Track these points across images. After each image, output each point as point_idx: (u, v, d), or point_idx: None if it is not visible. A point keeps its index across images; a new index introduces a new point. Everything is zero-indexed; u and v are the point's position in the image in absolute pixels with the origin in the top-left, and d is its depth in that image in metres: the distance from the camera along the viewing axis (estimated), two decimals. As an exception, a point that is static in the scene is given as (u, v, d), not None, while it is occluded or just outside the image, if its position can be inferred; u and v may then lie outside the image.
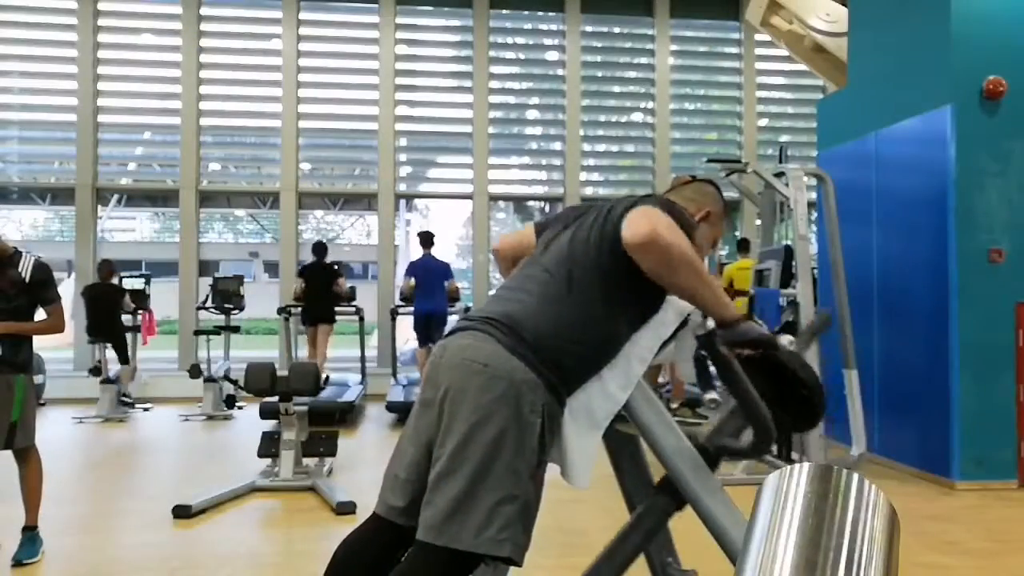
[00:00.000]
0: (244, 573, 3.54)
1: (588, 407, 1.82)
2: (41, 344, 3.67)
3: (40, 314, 3.65)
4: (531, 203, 12.05)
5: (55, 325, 3.65)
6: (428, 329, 7.94)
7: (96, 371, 7.97)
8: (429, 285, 7.93)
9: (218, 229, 24.35)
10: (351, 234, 23.19)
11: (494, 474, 1.61)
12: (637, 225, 1.69)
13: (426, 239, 8.13)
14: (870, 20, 6.13)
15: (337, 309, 8.33)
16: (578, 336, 1.75)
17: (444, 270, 8.07)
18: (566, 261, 1.83)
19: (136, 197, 14.69)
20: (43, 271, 3.60)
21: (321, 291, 8.15)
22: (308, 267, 8.30)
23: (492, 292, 9.67)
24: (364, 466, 5.72)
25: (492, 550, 1.60)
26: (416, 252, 8.54)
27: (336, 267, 8.40)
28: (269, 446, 5.10)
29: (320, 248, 8.33)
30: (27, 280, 3.54)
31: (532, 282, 1.84)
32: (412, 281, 7.97)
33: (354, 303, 8.45)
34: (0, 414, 3.47)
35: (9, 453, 3.56)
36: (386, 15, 9.94)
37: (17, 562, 3.51)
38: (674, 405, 7.16)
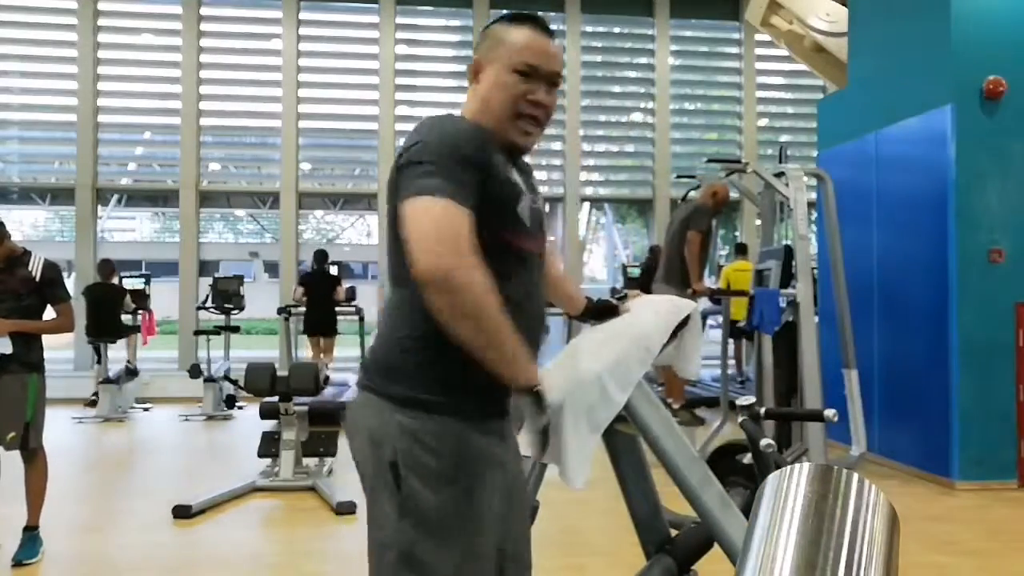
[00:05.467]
0: (244, 573, 3.54)
1: (588, 408, 1.81)
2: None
3: (49, 313, 3.67)
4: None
5: (65, 324, 3.68)
6: None
7: (93, 404, 8.00)
8: None
9: (218, 229, 24.35)
10: (351, 234, 23.20)
11: (372, 524, 1.48)
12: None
13: None
14: (870, 20, 6.13)
15: (338, 309, 8.33)
16: (413, 331, 1.45)
17: None
18: (389, 268, 1.56)
19: (136, 197, 14.68)
20: (53, 270, 3.64)
21: (322, 300, 8.14)
22: (309, 275, 8.29)
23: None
24: (364, 466, 5.71)
25: None
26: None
27: (337, 274, 8.39)
28: (269, 446, 5.10)
29: (321, 256, 8.32)
30: (37, 279, 3.57)
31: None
32: None
33: (354, 303, 8.45)
34: (16, 414, 3.48)
35: (14, 452, 3.57)
36: (386, 15, 9.94)
37: (17, 562, 3.51)
38: (675, 407, 7.16)
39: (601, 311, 1.97)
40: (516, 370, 1.38)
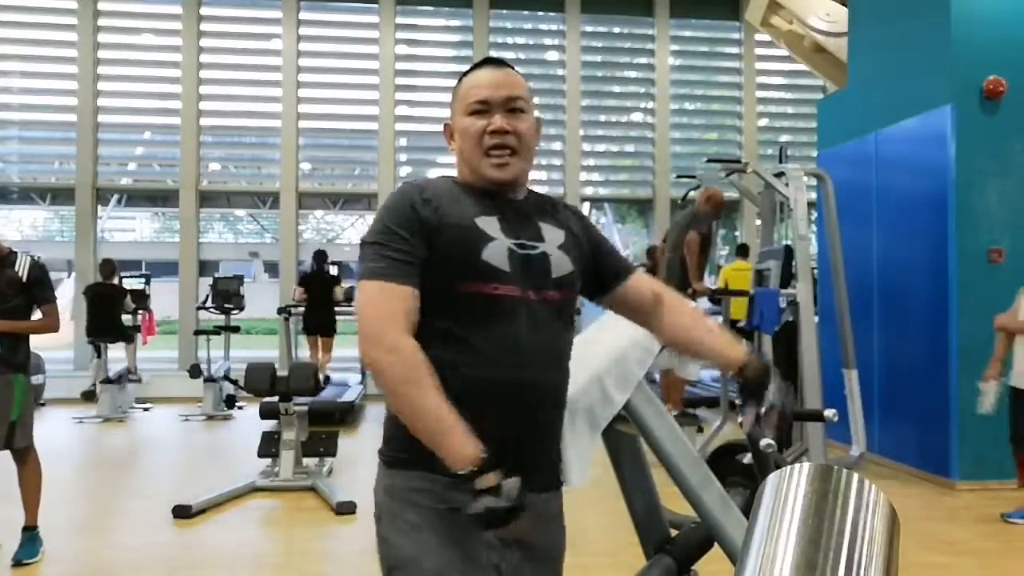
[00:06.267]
0: (244, 573, 3.54)
1: (588, 409, 1.82)
2: (41, 344, 3.68)
3: (37, 314, 3.66)
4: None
5: (50, 324, 3.65)
6: None
7: (90, 396, 8.00)
8: None
9: (218, 229, 24.31)
10: (351, 234, 23.18)
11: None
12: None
13: None
14: (870, 20, 6.13)
15: (337, 310, 8.34)
16: None
17: None
18: None
19: (136, 197, 14.69)
20: (40, 270, 3.62)
21: (322, 300, 8.15)
22: (308, 276, 8.31)
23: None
24: (364, 466, 5.72)
25: None
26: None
27: (336, 275, 8.41)
28: (269, 446, 5.10)
29: (321, 257, 8.33)
30: (24, 280, 3.55)
31: None
32: None
33: (353, 303, 8.46)
34: (1, 414, 3.47)
35: (7, 453, 3.57)
36: (386, 15, 9.94)
37: (17, 562, 3.51)
38: (673, 414, 7.15)
39: (757, 381, 1.60)
40: (446, 452, 1.30)
